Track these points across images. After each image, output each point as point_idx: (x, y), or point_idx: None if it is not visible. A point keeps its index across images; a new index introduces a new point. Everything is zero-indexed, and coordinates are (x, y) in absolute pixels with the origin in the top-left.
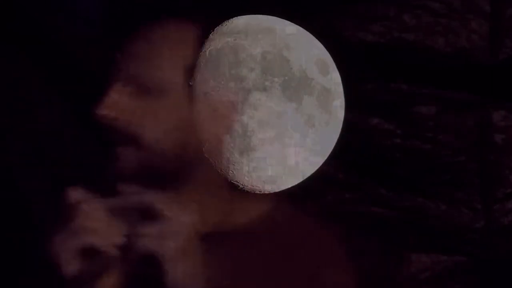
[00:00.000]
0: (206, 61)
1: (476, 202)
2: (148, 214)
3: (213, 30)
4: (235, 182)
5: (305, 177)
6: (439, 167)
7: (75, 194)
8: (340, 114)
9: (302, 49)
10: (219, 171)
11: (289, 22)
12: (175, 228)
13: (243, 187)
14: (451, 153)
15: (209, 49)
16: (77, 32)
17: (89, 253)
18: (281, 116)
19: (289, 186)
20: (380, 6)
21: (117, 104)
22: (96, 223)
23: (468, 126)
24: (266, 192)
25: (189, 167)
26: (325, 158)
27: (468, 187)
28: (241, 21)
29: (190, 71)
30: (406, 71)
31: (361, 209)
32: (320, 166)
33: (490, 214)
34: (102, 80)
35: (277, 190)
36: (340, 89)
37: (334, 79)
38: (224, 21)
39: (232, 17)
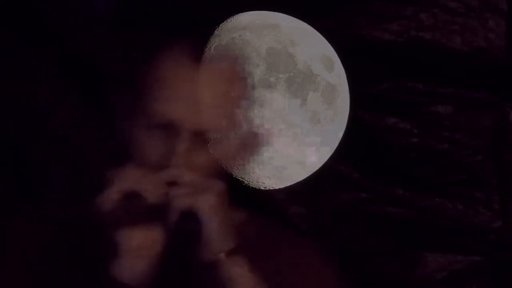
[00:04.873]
0: (211, 57)
1: (494, 202)
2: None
3: (218, 26)
4: (240, 178)
5: (310, 173)
6: (456, 167)
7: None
8: (346, 110)
9: (307, 45)
10: (224, 167)
11: (294, 18)
12: (207, 187)
13: (248, 183)
14: (468, 152)
15: (214, 45)
16: (93, 32)
17: (131, 196)
18: (286, 112)
19: (294, 182)
20: (397, 5)
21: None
22: (140, 178)
23: (485, 126)
24: (270, 188)
25: None
26: (331, 154)
27: (486, 186)
28: (246, 18)
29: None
30: (422, 70)
31: (377, 209)
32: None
33: (508, 214)
34: (117, 79)
35: (281, 187)
36: (345, 85)
37: (339, 75)
38: (229, 17)
39: (237, 13)
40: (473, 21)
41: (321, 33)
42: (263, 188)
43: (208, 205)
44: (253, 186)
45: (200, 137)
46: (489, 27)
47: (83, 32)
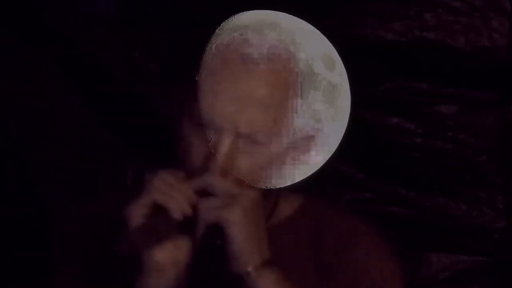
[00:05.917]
0: (213, 56)
1: (497, 202)
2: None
3: (219, 26)
4: (242, 178)
5: (311, 173)
6: (460, 167)
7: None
8: (347, 109)
9: (308, 44)
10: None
11: (295, 17)
12: (237, 198)
13: (250, 182)
14: (472, 152)
15: (215, 44)
16: (93, 32)
17: (158, 211)
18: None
19: (295, 181)
20: (400, 4)
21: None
22: (171, 191)
23: (488, 126)
24: (272, 187)
25: None
26: (332, 153)
27: (489, 186)
28: (247, 17)
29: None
30: (426, 70)
31: (379, 209)
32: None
33: (511, 214)
34: (120, 80)
35: (283, 185)
36: (346, 84)
37: (340, 74)
38: (229, 17)
39: (239, 12)
40: (477, 21)
41: (322, 32)
42: (264, 187)
43: (235, 218)
44: (254, 185)
45: (242, 140)
46: (493, 27)
47: (83, 32)
